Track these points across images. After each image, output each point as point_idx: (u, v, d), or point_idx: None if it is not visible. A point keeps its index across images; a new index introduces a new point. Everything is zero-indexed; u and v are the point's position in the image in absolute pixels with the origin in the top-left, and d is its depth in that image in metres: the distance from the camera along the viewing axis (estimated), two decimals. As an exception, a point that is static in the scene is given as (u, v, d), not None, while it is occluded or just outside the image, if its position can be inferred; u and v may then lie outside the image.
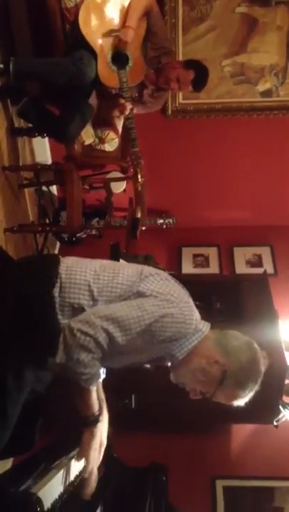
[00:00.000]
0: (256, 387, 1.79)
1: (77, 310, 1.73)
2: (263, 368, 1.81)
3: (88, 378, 1.67)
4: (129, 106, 3.41)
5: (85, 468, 1.77)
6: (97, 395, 1.79)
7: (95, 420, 1.77)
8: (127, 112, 3.44)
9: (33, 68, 3.33)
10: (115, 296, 1.75)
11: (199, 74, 3.52)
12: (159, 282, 1.80)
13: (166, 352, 1.78)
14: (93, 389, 1.74)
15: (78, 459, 1.78)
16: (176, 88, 3.60)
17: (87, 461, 1.77)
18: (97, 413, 1.77)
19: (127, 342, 1.66)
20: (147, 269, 1.87)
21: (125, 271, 1.83)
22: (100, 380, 1.76)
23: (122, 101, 3.41)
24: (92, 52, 3.25)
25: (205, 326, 1.83)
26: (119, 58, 3.28)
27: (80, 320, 1.65)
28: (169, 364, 1.86)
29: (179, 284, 1.88)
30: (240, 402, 1.81)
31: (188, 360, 1.78)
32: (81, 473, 1.78)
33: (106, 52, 3.27)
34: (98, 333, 1.61)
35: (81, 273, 1.79)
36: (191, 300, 1.85)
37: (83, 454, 1.77)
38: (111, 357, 1.70)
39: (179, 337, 1.74)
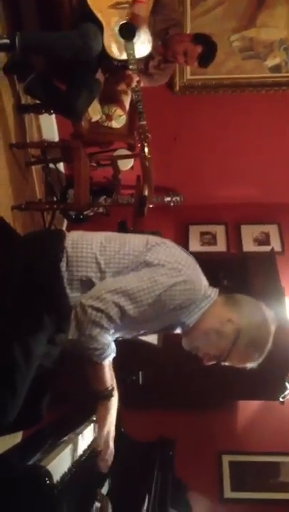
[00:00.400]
0: (269, 347, 1.80)
1: (86, 283, 1.74)
2: (273, 326, 1.82)
3: (101, 353, 1.69)
4: (136, 78, 3.37)
5: (98, 441, 1.80)
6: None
7: (109, 395, 1.80)
8: (133, 84, 3.39)
9: (39, 42, 3.28)
10: (123, 267, 1.76)
11: (207, 50, 3.45)
12: (165, 251, 1.81)
13: (176, 319, 1.79)
14: (106, 364, 1.76)
15: (98, 433, 1.80)
16: (182, 62, 3.55)
17: (103, 435, 1.80)
18: (110, 387, 1.80)
19: (139, 314, 1.68)
20: (153, 239, 1.88)
21: (131, 241, 1.84)
22: (112, 355, 1.77)
23: (129, 72, 3.37)
24: (99, 25, 3.20)
25: (213, 292, 1.84)
26: (126, 30, 3.23)
27: (91, 296, 1.66)
28: (180, 331, 1.87)
29: (185, 251, 1.89)
30: (254, 363, 1.82)
31: (199, 325, 1.80)
32: (92, 446, 1.81)
33: (113, 24, 3.22)
34: (110, 308, 1.63)
35: (87, 246, 1.80)
36: (198, 267, 1.87)
37: (102, 428, 1.80)
38: (123, 328, 1.73)
39: (188, 304, 1.75)
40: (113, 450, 1.83)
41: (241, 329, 1.77)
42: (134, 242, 1.84)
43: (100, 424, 1.81)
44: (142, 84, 3.47)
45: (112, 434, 1.85)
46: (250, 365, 1.83)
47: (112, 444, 1.83)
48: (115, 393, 1.84)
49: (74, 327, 1.65)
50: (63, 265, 1.75)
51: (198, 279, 1.80)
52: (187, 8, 3.91)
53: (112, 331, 1.69)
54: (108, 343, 1.71)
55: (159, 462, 2.37)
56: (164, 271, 1.72)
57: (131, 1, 3.20)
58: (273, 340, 1.83)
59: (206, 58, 3.47)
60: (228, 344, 1.79)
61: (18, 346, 1.70)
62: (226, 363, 1.84)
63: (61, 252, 1.78)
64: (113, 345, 1.76)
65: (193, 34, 3.51)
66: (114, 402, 1.83)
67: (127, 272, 1.75)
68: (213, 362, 1.86)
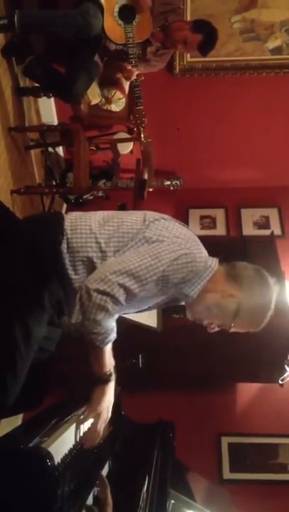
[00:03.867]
0: (271, 313, 1.82)
1: (88, 264, 1.75)
2: (275, 293, 1.84)
3: (104, 338, 1.70)
4: (135, 71, 3.35)
5: (92, 424, 1.81)
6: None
7: (108, 379, 1.81)
8: (133, 78, 3.38)
9: (38, 20, 3.24)
10: (123, 245, 1.77)
11: (207, 38, 3.41)
12: (164, 226, 1.82)
13: (180, 292, 1.80)
14: (107, 348, 1.77)
15: (87, 414, 1.82)
16: (182, 50, 3.52)
17: (95, 417, 1.81)
18: (109, 372, 1.81)
19: (144, 291, 1.69)
20: (150, 214, 1.88)
21: (129, 218, 1.85)
22: (113, 339, 1.78)
23: (129, 67, 3.34)
24: (99, 6, 3.17)
25: (214, 262, 1.85)
26: (126, 13, 3.20)
27: (95, 279, 1.66)
28: (184, 303, 1.89)
29: (184, 225, 1.91)
30: (257, 329, 1.85)
31: (202, 297, 1.81)
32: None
33: (113, 6, 3.19)
34: (115, 290, 1.63)
35: (86, 227, 1.80)
36: (197, 238, 1.89)
37: (93, 409, 1.81)
38: (127, 307, 1.73)
39: (191, 277, 1.76)
40: (100, 433, 1.83)
41: (242, 302, 1.79)
42: (132, 219, 1.84)
43: (93, 404, 1.82)
44: (138, 72, 3.44)
45: (108, 415, 1.86)
46: (253, 330, 1.86)
47: (99, 427, 1.83)
48: (113, 378, 1.86)
49: (78, 310, 1.65)
50: (64, 247, 1.76)
51: (198, 251, 1.81)
52: (188, -12, 3.86)
53: (116, 315, 1.69)
54: (112, 327, 1.71)
55: (159, 444, 2.39)
56: (164, 246, 1.73)
57: None
58: (272, 322, 1.84)
59: (205, 47, 3.43)
60: (230, 316, 1.82)
61: (19, 327, 1.71)
62: (231, 330, 1.86)
63: (61, 234, 1.78)
64: (115, 329, 1.77)
65: (193, 22, 3.46)
66: (111, 386, 1.84)
67: (128, 249, 1.76)
68: (217, 329, 1.88)
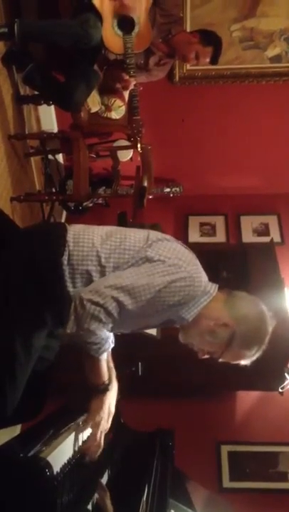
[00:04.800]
0: (264, 347, 1.81)
1: (87, 278, 1.74)
2: (270, 328, 1.82)
3: (99, 348, 1.70)
4: (133, 81, 3.36)
5: (91, 434, 1.80)
6: (106, 364, 1.83)
7: (105, 389, 1.81)
8: (131, 88, 3.39)
9: (38, 30, 3.26)
10: (123, 262, 1.77)
11: (217, 49, 3.45)
12: (166, 246, 1.82)
13: (175, 315, 1.80)
14: (103, 358, 1.76)
15: (85, 425, 1.81)
16: (193, 64, 3.55)
17: (94, 428, 1.80)
18: (106, 382, 1.80)
19: (138, 309, 1.68)
20: (154, 234, 1.88)
21: (132, 236, 1.84)
22: (109, 349, 1.78)
23: (126, 77, 3.36)
24: (99, 16, 3.18)
25: (213, 288, 1.84)
26: (125, 23, 3.21)
27: (90, 290, 1.66)
28: (178, 325, 1.88)
29: (186, 247, 1.90)
30: (248, 361, 1.84)
31: (197, 322, 1.80)
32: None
33: (112, 16, 3.20)
34: (108, 303, 1.63)
35: (88, 240, 1.80)
36: (198, 262, 1.87)
37: (90, 420, 1.80)
38: (121, 323, 1.73)
39: (188, 300, 1.76)
40: (101, 445, 1.82)
41: (236, 332, 1.78)
42: (135, 237, 1.84)
43: (91, 415, 1.81)
44: (138, 80, 3.46)
45: (107, 426, 1.85)
46: (243, 363, 1.85)
47: (99, 438, 1.82)
48: (113, 387, 1.85)
49: (72, 321, 1.65)
50: (65, 259, 1.76)
51: (198, 275, 1.79)
52: (187, -3, 3.88)
53: (110, 325, 1.69)
54: (106, 337, 1.71)
55: (158, 452, 2.38)
56: (164, 267, 1.73)
57: None
58: (273, 331, 1.84)
59: (216, 57, 3.47)
60: (221, 345, 1.80)
61: (18, 338, 1.71)
62: (220, 360, 1.85)
63: (63, 246, 1.78)
64: (112, 338, 1.76)
65: (200, 34, 3.47)
66: (109, 396, 1.83)
67: (127, 266, 1.76)
68: (208, 357, 1.87)
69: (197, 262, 1.87)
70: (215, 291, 1.84)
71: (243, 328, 1.78)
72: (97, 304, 1.63)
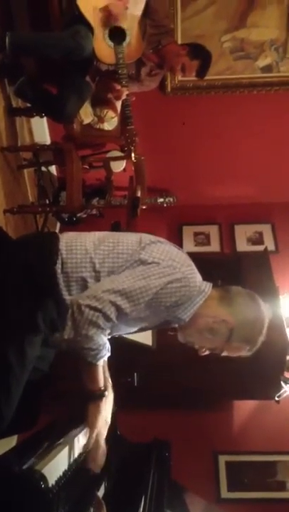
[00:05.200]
0: (263, 339, 1.84)
1: (82, 284, 1.75)
2: (267, 319, 1.85)
3: (96, 353, 1.70)
4: (125, 91, 3.38)
5: (89, 441, 1.79)
6: (103, 373, 1.82)
7: (101, 395, 1.80)
8: (123, 97, 3.41)
9: (30, 41, 3.28)
10: (117, 266, 1.77)
11: (205, 62, 3.47)
12: (159, 249, 1.83)
13: (172, 316, 1.81)
14: (100, 364, 1.76)
15: (86, 432, 1.80)
16: (180, 75, 3.58)
17: (94, 435, 1.79)
18: (103, 388, 1.80)
19: (136, 312, 1.69)
20: (146, 237, 1.89)
21: (124, 240, 1.85)
22: (106, 356, 1.77)
23: (118, 87, 3.37)
24: (90, 28, 3.20)
25: (207, 287, 1.86)
26: (116, 34, 3.23)
27: (88, 296, 1.67)
28: (175, 325, 1.89)
29: (179, 248, 1.92)
30: (248, 353, 1.86)
31: (194, 321, 1.82)
32: (86, 448, 1.80)
33: (103, 28, 3.22)
34: (107, 307, 1.64)
35: (81, 247, 1.81)
36: (192, 263, 1.90)
37: (90, 427, 1.80)
38: (119, 327, 1.74)
39: (184, 301, 1.77)
40: (105, 450, 1.82)
41: (234, 327, 1.81)
42: (128, 240, 1.85)
43: (90, 423, 1.80)
44: (128, 92, 3.47)
45: (104, 434, 1.84)
46: (244, 355, 1.87)
47: (103, 444, 1.82)
48: (109, 394, 1.85)
49: (70, 327, 1.65)
50: (59, 267, 1.76)
51: (192, 276, 1.81)
52: (178, 9, 3.90)
53: (108, 331, 1.69)
54: (104, 343, 1.71)
55: (155, 463, 2.36)
56: (159, 269, 1.74)
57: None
58: (268, 339, 1.85)
59: (203, 70, 3.49)
60: (221, 341, 1.84)
61: (13, 349, 1.70)
62: (221, 354, 1.88)
63: (55, 254, 1.78)
64: (108, 346, 1.76)
65: (189, 47, 3.50)
66: (106, 403, 1.83)
67: (122, 270, 1.76)
68: (208, 353, 1.90)
69: (191, 262, 1.89)
70: (209, 290, 1.85)
71: (241, 323, 1.81)
72: (95, 309, 1.63)
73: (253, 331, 1.82)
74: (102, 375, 1.80)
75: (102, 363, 1.77)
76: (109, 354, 1.78)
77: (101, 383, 1.79)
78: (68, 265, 1.76)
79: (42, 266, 1.78)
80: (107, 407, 1.84)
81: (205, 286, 1.86)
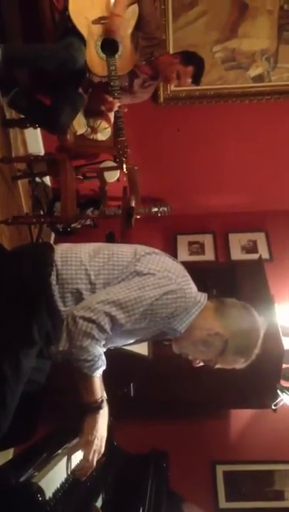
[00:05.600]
0: (257, 351, 1.83)
1: (77, 296, 1.74)
2: (262, 332, 1.84)
3: (92, 365, 1.69)
4: (117, 103, 3.39)
5: (85, 455, 1.77)
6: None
7: (98, 407, 1.78)
8: (115, 109, 3.42)
9: (23, 54, 3.28)
10: (113, 277, 1.77)
11: (198, 68, 3.50)
12: (154, 260, 1.83)
13: (168, 327, 1.80)
14: (96, 376, 1.75)
15: (78, 445, 1.78)
16: (176, 84, 3.59)
17: (87, 447, 1.77)
18: (100, 400, 1.78)
19: (130, 323, 1.69)
20: (141, 248, 1.89)
21: (120, 252, 1.85)
22: (102, 367, 1.76)
23: (110, 99, 3.39)
24: (82, 40, 3.22)
25: (203, 297, 1.86)
26: (108, 46, 3.25)
27: (82, 307, 1.66)
28: (170, 337, 1.89)
29: (174, 259, 1.92)
30: (242, 366, 1.86)
31: (189, 333, 1.82)
32: (83, 461, 1.79)
33: (95, 40, 3.24)
34: (101, 318, 1.63)
35: (76, 258, 1.80)
36: (187, 273, 1.89)
37: (84, 439, 1.78)
38: (114, 338, 1.73)
39: (180, 312, 1.77)
40: (94, 465, 1.79)
41: (229, 340, 1.80)
42: (123, 252, 1.85)
43: (85, 435, 1.78)
44: (122, 102, 3.48)
45: (99, 448, 1.81)
46: (238, 367, 1.87)
47: (92, 458, 1.79)
48: (105, 406, 1.83)
49: (64, 338, 1.64)
50: (53, 279, 1.75)
51: (188, 287, 1.82)
52: (169, 20, 3.93)
53: (103, 342, 1.68)
54: (99, 354, 1.70)
55: (153, 474, 2.36)
56: (154, 280, 1.74)
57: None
58: (263, 348, 1.85)
59: (197, 76, 3.51)
60: (215, 353, 1.83)
61: (7, 361, 1.69)
62: (214, 367, 1.87)
63: (50, 266, 1.78)
64: (104, 357, 1.76)
65: (181, 55, 3.52)
66: (102, 415, 1.81)
67: (117, 282, 1.76)
68: (202, 364, 1.89)
69: (186, 273, 1.89)
70: (205, 301, 1.85)
71: (235, 336, 1.80)
72: (89, 319, 1.62)
73: (248, 343, 1.82)
74: (99, 387, 1.79)
75: (98, 374, 1.76)
76: (105, 367, 1.77)
77: (98, 395, 1.78)
78: (63, 277, 1.76)
79: (36, 277, 1.77)
80: (103, 417, 1.83)
81: (200, 297, 1.86)
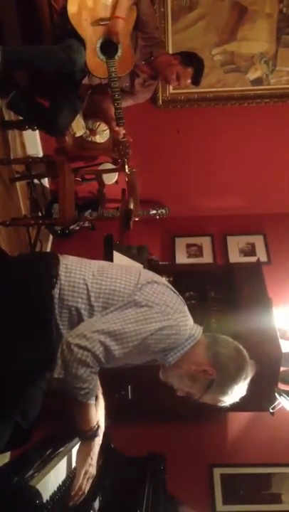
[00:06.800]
0: (243, 393, 1.84)
1: (74, 314, 1.74)
2: (249, 377, 1.85)
3: (87, 393, 1.68)
4: (122, 131, 3.39)
5: (76, 482, 1.76)
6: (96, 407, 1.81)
7: (93, 435, 1.79)
8: (120, 137, 3.41)
9: (22, 55, 3.28)
10: (111, 303, 1.76)
11: (198, 69, 3.50)
12: (155, 291, 1.81)
13: (158, 356, 1.82)
14: (91, 403, 1.74)
15: (77, 477, 1.77)
16: (176, 85, 3.60)
17: (79, 477, 1.76)
18: (95, 428, 1.78)
19: (124, 354, 1.68)
20: (144, 276, 1.87)
21: (123, 277, 1.83)
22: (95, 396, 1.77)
23: (116, 128, 3.39)
24: (81, 42, 3.22)
25: (197, 331, 1.86)
26: (108, 48, 3.25)
27: (78, 334, 1.65)
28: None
29: (174, 291, 1.91)
30: (226, 403, 1.87)
31: (178, 365, 1.83)
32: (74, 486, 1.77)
33: (95, 41, 3.24)
34: (96, 347, 1.62)
35: (80, 275, 1.79)
36: (185, 307, 1.88)
37: (80, 471, 1.77)
38: (106, 364, 1.71)
39: (173, 347, 1.78)
40: (86, 492, 1.79)
41: (214, 380, 1.80)
42: (126, 279, 1.83)
43: (81, 465, 1.78)
44: (124, 104, 3.48)
45: (92, 475, 1.82)
46: (222, 405, 1.88)
47: (85, 484, 1.78)
48: (100, 433, 1.83)
49: (60, 365, 1.63)
50: (56, 292, 1.74)
51: (184, 323, 1.81)
52: (168, 22, 3.94)
53: (97, 369, 1.68)
54: (94, 382, 1.70)
55: (150, 477, 2.35)
56: (151, 314, 1.73)
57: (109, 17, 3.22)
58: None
59: (197, 77, 3.52)
60: (200, 390, 1.83)
61: (7, 371, 1.69)
62: (199, 401, 1.88)
63: (55, 277, 1.77)
64: (99, 385, 1.75)
65: (181, 56, 3.52)
66: (98, 442, 1.82)
67: (115, 308, 1.75)
68: (185, 395, 1.90)
69: (184, 307, 1.88)
70: (199, 335, 1.85)
71: (221, 377, 1.80)
72: (84, 348, 1.61)
73: (232, 387, 1.82)
74: (94, 414, 1.79)
75: (93, 401, 1.76)
76: (100, 392, 1.77)
77: (92, 423, 1.78)
78: (65, 292, 1.75)
79: (40, 289, 1.76)
80: (97, 448, 1.83)
81: (195, 330, 1.86)
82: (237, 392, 1.82)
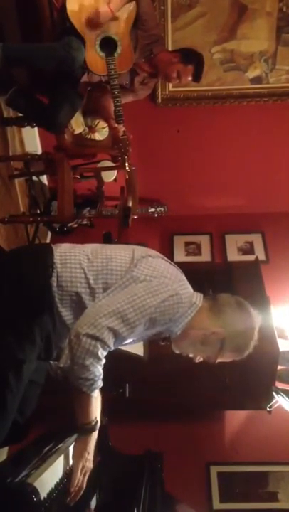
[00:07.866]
0: (255, 343, 1.86)
1: (76, 300, 1.75)
2: (257, 325, 1.87)
3: (91, 384, 1.69)
4: (122, 128, 3.39)
5: (73, 478, 1.76)
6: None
7: (91, 429, 1.79)
8: (120, 135, 3.41)
9: (21, 53, 3.27)
10: (111, 283, 1.78)
11: (198, 66, 3.49)
12: (151, 264, 1.84)
13: (164, 328, 1.82)
14: (94, 396, 1.75)
15: (73, 471, 1.77)
16: (176, 83, 3.60)
17: (76, 472, 1.77)
18: (94, 422, 1.79)
19: (132, 333, 1.70)
20: (138, 252, 1.89)
21: (118, 256, 1.85)
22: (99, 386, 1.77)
23: (115, 125, 3.39)
24: (81, 39, 3.21)
25: (198, 298, 1.87)
26: (107, 45, 3.24)
27: (86, 323, 1.65)
28: (167, 335, 1.90)
29: (170, 262, 1.93)
30: (242, 357, 1.88)
31: (186, 334, 1.84)
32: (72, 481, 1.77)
33: (94, 39, 3.23)
34: (104, 334, 1.63)
35: (75, 261, 1.80)
36: (183, 276, 1.91)
37: (76, 466, 1.77)
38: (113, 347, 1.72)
39: (178, 317, 1.79)
40: (84, 486, 1.79)
41: (225, 338, 1.83)
42: (121, 256, 1.85)
43: (77, 460, 1.78)
44: (124, 101, 3.47)
45: (89, 469, 1.82)
46: (238, 359, 1.89)
47: (82, 480, 1.79)
48: (97, 428, 1.84)
49: (67, 355, 1.64)
50: (54, 280, 1.75)
51: (185, 291, 1.83)
52: (168, 20, 3.94)
53: (104, 360, 1.68)
54: (99, 374, 1.70)
55: (147, 475, 2.35)
56: (152, 287, 1.74)
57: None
58: (259, 349, 1.87)
59: (198, 74, 3.51)
60: (214, 351, 1.86)
61: (9, 364, 1.69)
62: (215, 362, 1.90)
63: (51, 267, 1.77)
64: (102, 376, 1.75)
65: (181, 53, 3.50)
66: (95, 437, 1.82)
67: (116, 288, 1.76)
68: (202, 360, 1.92)
69: (182, 276, 1.91)
70: (200, 302, 1.87)
71: (231, 334, 1.83)
72: (93, 336, 1.62)
73: (244, 340, 1.85)
74: (95, 408, 1.79)
75: (96, 394, 1.76)
76: (102, 384, 1.77)
77: (92, 416, 1.78)
78: (63, 279, 1.76)
79: (37, 279, 1.77)
80: (93, 443, 1.83)
81: (196, 298, 1.87)
82: (249, 343, 1.85)
